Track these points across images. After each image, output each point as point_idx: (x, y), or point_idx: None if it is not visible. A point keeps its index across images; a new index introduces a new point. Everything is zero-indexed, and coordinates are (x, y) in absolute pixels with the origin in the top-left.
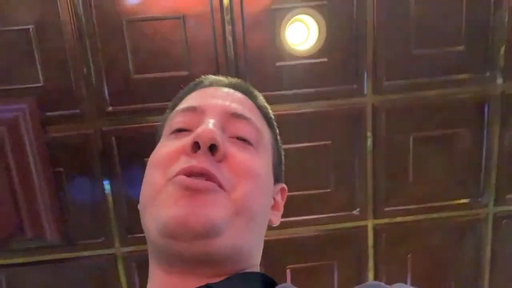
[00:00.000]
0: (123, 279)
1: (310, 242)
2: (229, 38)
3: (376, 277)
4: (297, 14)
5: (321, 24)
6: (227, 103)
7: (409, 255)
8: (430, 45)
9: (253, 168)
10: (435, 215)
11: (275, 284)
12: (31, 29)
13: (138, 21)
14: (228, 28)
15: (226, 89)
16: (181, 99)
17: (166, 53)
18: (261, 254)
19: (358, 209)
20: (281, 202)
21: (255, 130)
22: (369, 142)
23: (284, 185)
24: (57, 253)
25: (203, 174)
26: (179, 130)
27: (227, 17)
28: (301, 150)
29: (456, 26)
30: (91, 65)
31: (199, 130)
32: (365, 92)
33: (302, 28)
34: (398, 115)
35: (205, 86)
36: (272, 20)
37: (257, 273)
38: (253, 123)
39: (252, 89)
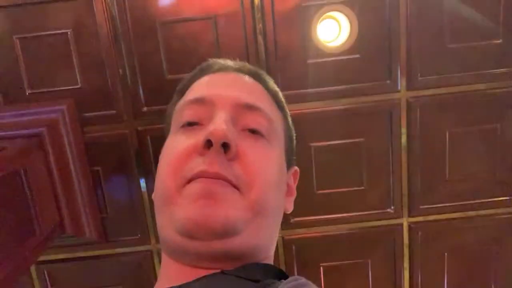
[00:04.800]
0: (159, 274)
1: (344, 240)
2: (260, 36)
3: (411, 276)
4: (328, 11)
5: (353, 20)
6: (237, 93)
7: (445, 254)
8: (466, 39)
9: (267, 166)
10: (473, 213)
11: (286, 276)
12: (69, 33)
13: (170, 23)
14: (258, 26)
15: (235, 75)
16: (188, 85)
17: (198, 53)
18: (275, 244)
19: (392, 207)
20: (294, 186)
21: (267, 120)
22: (404, 138)
23: (296, 168)
24: (96, 249)
25: (216, 178)
26: (189, 124)
27: (257, 16)
28: (334, 147)
29: (493, 19)
30: (126, 66)
31: (211, 127)
32: (399, 87)
33: (333, 25)
34: (433, 111)
35: (213, 72)
36: (303, 17)
37: (270, 264)
38: (265, 112)
39: (260, 72)
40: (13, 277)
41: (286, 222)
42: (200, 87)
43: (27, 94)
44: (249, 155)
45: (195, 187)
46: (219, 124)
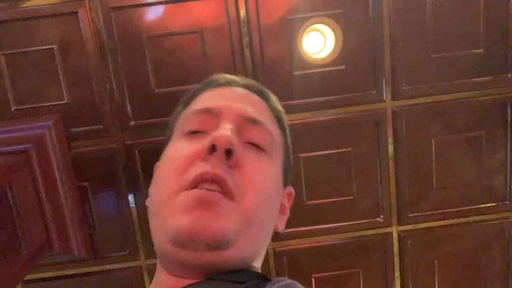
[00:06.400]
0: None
1: (334, 250)
2: (246, 49)
3: (403, 284)
4: (313, 24)
5: (338, 32)
6: (243, 106)
7: (436, 261)
8: (449, 49)
9: (265, 178)
10: (461, 220)
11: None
12: (55, 48)
13: (157, 37)
14: (245, 39)
15: (241, 90)
16: (194, 96)
17: (185, 67)
18: (263, 258)
19: (382, 216)
20: (288, 206)
21: (269, 136)
22: (391, 148)
23: (291, 189)
24: (84, 266)
25: (216, 180)
26: (194, 132)
27: (244, 29)
28: (322, 158)
29: (474, 29)
30: (113, 81)
31: (216, 133)
32: (384, 97)
33: (318, 37)
34: (419, 120)
35: (220, 85)
36: (289, 30)
37: (255, 271)
38: (268, 129)
39: (266, 90)
40: None
41: (277, 233)
42: (208, 99)
43: (13, 110)
44: (248, 166)
45: (191, 195)
46: (225, 130)
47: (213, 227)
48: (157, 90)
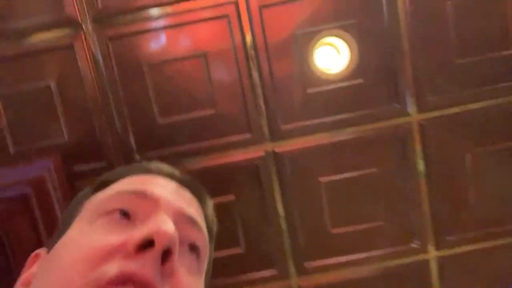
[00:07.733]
0: None
1: (366, 283)
2: (255, 71)
3: None
4: (324, 36)
5: (352, 44)
6: (183, 203)
7: None
8: (475, 52)
9: None
10: (503, 241)
11: None
12: (52, 85)
13: (159, 64)
14: (252, 62)
15: (177, 186)
16: (116, 179)
17: (190, 93)
18: None
19: (416, 241)
20: None
21: (205, 241)
22: (420, 165)
23: None
24: None
25: (145, 287)
26: (121, 213)
27: (251, 52)
28: (345, 181)
29: (501, 28)
30: (115, 113)
31: (155, 225)
32: (409, 110)
33: (331, 51)
34: (450, 132)
35: (152, 173)
36: (298, 46)
37: None
38: (205, 234)
39: (204, 192)
40: None
41: (300, 267)
42: (139, 181)
43: (12, 153)
44: (183, 279)
45: None
46: (167, 224)
47: None
48: (161, 120)
